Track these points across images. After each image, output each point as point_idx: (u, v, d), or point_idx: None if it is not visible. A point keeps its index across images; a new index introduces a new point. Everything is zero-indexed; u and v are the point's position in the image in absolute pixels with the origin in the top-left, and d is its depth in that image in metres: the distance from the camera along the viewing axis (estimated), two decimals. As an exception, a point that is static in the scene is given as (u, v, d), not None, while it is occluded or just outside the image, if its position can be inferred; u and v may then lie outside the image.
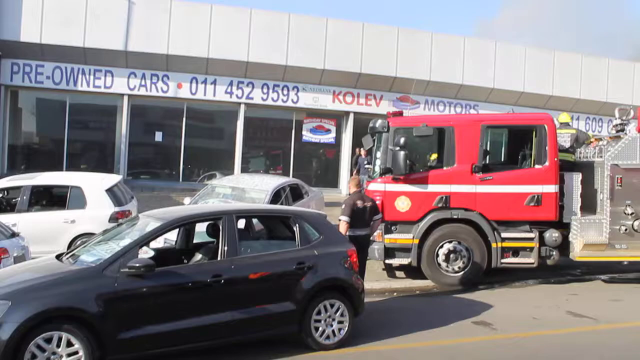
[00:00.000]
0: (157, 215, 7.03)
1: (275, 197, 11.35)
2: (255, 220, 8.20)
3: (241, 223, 7.59)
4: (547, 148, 10.35)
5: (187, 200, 12.49)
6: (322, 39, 20.53)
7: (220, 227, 6.71)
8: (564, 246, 10.63)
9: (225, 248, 6.60)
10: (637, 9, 69.33)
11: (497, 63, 22.32)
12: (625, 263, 10.84)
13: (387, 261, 10.77)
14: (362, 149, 17.92)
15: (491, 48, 22.53)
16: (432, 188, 10.36)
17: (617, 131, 11.34)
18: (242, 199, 11.16)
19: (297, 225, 7.17)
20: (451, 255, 10.42)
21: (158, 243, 7.76)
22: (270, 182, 12.06)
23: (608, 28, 63.31)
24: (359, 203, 8.96)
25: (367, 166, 16.13)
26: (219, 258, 6.60)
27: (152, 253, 7.11)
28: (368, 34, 21.05)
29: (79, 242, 8.18)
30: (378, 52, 20.94)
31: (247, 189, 11.68)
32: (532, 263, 10.52)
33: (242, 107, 20.70)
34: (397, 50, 21.18)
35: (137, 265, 5.98)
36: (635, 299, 9.84)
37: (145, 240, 6.47)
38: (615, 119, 11.48)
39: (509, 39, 52.94)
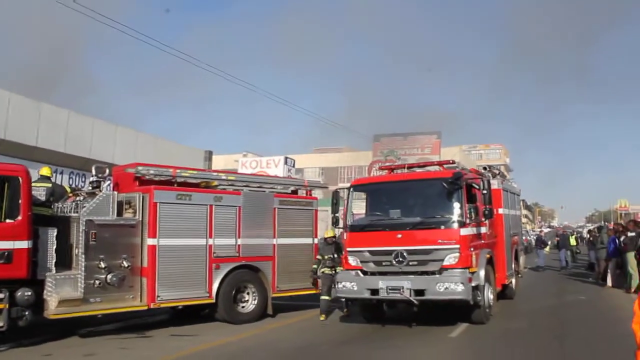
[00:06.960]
0: None
1: None
2: None
3: None
4: (20, 201, 9.83)
5: None
6: None
7: None
8: (39, 305, 10.17)
9: None
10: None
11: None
12: (99, 316, 11.04)
13: None
14: None
15: (-30, 90, 20.57)
16: None
17: (94, 187, 11.69)
18: None
19: None
20: None
21: None
22: None
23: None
24: None
25: None
26: None
27: None
28: None
29: None
30: None
31: None
32: (1, 327, 9.67)
33: None
34: None
35: None
36: (108, 351, 10.05)
37: None
38: (93, 175, 11.83)
39: None
